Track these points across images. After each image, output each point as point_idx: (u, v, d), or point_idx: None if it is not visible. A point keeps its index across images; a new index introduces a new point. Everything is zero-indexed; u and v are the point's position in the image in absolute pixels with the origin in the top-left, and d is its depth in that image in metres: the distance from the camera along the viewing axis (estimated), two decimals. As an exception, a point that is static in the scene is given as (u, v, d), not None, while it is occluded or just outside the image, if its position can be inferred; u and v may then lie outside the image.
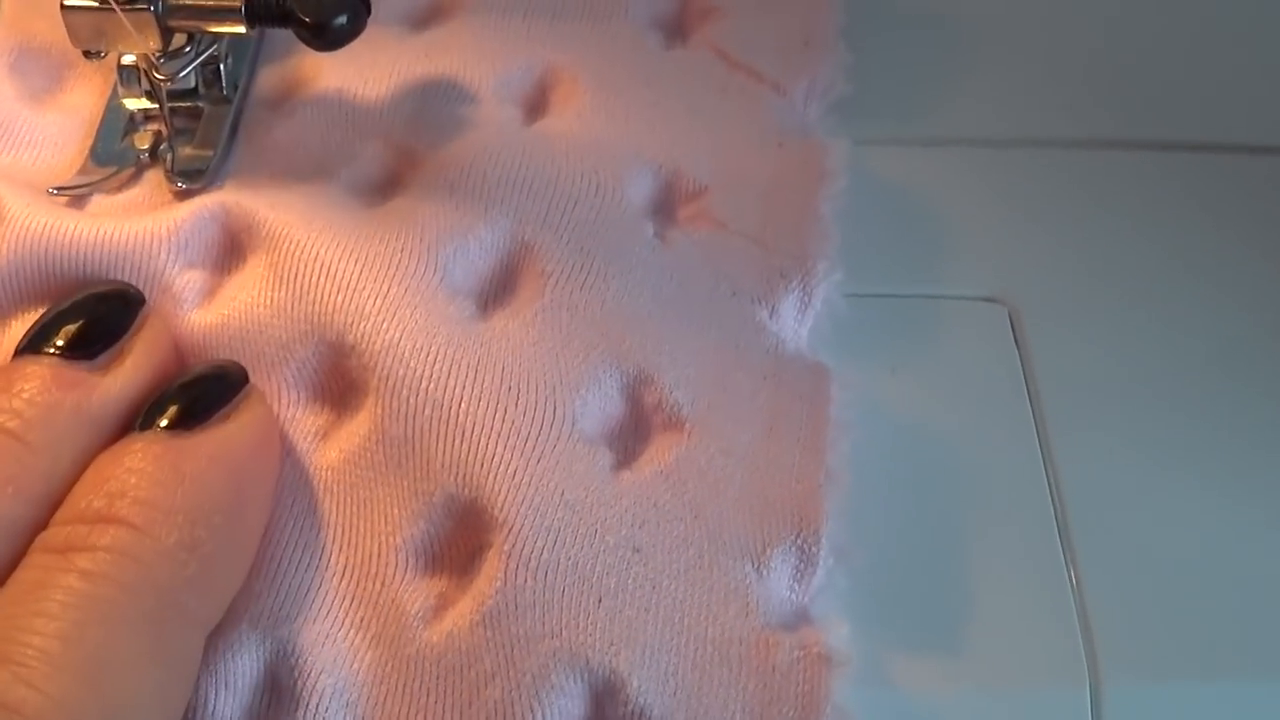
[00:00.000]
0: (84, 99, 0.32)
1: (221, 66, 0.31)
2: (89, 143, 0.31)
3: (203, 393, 0.25)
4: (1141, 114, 0.34)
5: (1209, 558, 0.27)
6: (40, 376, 0.24)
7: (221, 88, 0.31)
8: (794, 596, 0.25)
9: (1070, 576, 0.26)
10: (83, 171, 0.30)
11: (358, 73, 0.32)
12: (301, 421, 0.26)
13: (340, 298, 0.27)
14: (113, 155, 0.31)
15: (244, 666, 0.24)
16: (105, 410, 0.24)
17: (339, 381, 0.27)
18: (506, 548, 0.24)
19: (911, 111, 0.34)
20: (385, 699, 0.23)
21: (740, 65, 0.33)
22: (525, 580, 0.24)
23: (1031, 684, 0.25)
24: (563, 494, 0.25)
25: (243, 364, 0.26)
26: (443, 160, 0.30)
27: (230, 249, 0.29)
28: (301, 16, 0.27)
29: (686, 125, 0.31)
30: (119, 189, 0.30)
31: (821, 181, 0.30)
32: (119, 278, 0.27)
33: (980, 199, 0.32)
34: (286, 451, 0.26)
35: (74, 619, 0.21)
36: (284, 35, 0.32)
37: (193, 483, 0.23)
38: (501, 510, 0.24)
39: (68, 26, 0.28)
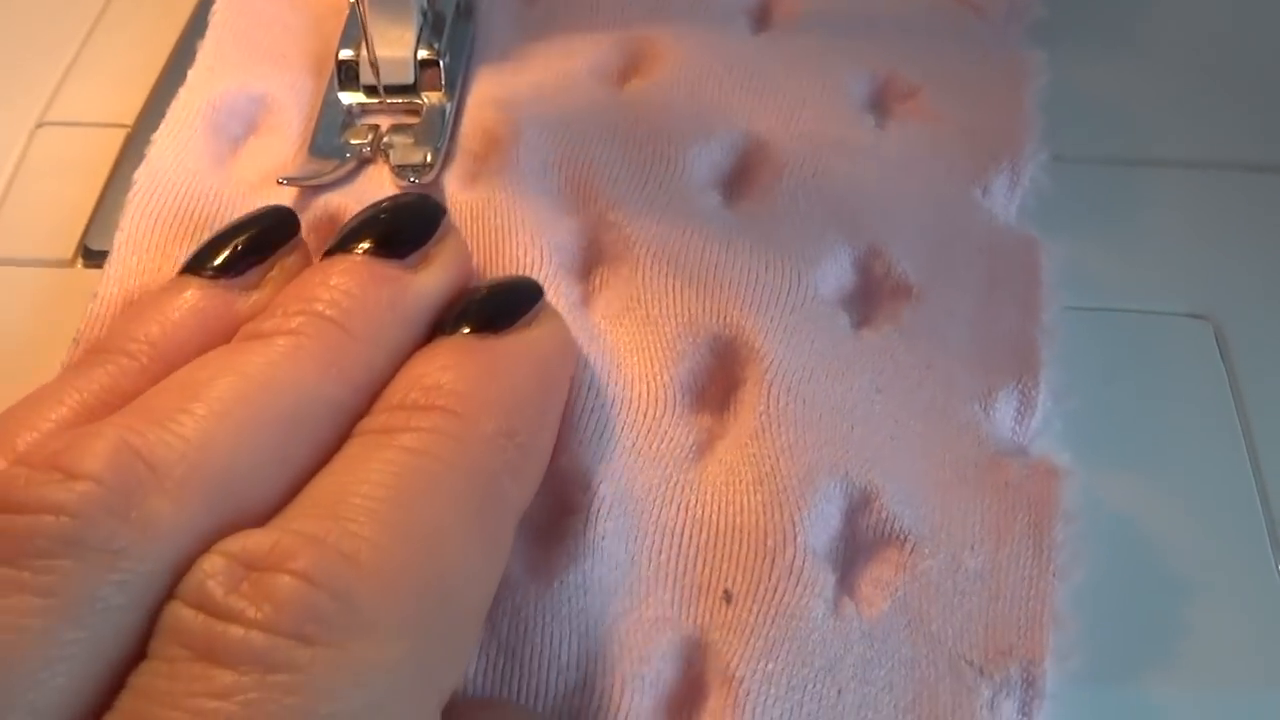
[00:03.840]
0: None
1: (441, 63, 0.32)
2: (307, 135, 0.32)
3: (506, 301, 0.25)
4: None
5: None
6: (355, 271, 0.24)
7: (441, 83, 0.32)
8: (1015, 436, 0.28)
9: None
10: (302, 164, 0.31)
11: None
12: (566, 285, 0.30)
13: (604, 185, 0.31)
14: (333, 149, 0.31)
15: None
16: (418, 305, 0.25)
17: (597, 252, 0.30)
18: (768, 377, 0.27)
19: (1120, 133, 0.36)
20: (659, 511, 0.26)
21: (945, -12, 0.36)
22: (787, 404, 0.27)
23: (1245, 687, 0.26)
24: (813, 341, 0.28)
25: (505, 227, 0.29)
26: (680, 59, 0.33)
27: (488, 141, 0.32)
28: None
29: (898, 37, 0.35)
30: (342, 182, 0.31)
31: (1025, 80, 0.33)
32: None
33: (1185, 218, 0.34)
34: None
35: (400, 486, 0.21)
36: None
37: (505, 379, 0.24)
38: (762, 345, 0.28)
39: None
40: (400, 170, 0.31)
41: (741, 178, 0.32)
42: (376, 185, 0.31)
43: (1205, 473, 0.29)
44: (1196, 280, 0.32)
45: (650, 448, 0.27)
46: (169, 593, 0.19)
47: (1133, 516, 0.28)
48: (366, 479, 0.21)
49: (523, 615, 0.25)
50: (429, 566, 0.20)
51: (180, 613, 0.19)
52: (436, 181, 0.31)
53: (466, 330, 0.25)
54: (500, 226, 0.30)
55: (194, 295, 0.25)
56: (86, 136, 0.35)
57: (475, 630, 0.23)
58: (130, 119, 0.35)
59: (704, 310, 0.29)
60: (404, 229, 0.26)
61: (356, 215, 0.26)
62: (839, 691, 0.25)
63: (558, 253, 0.30)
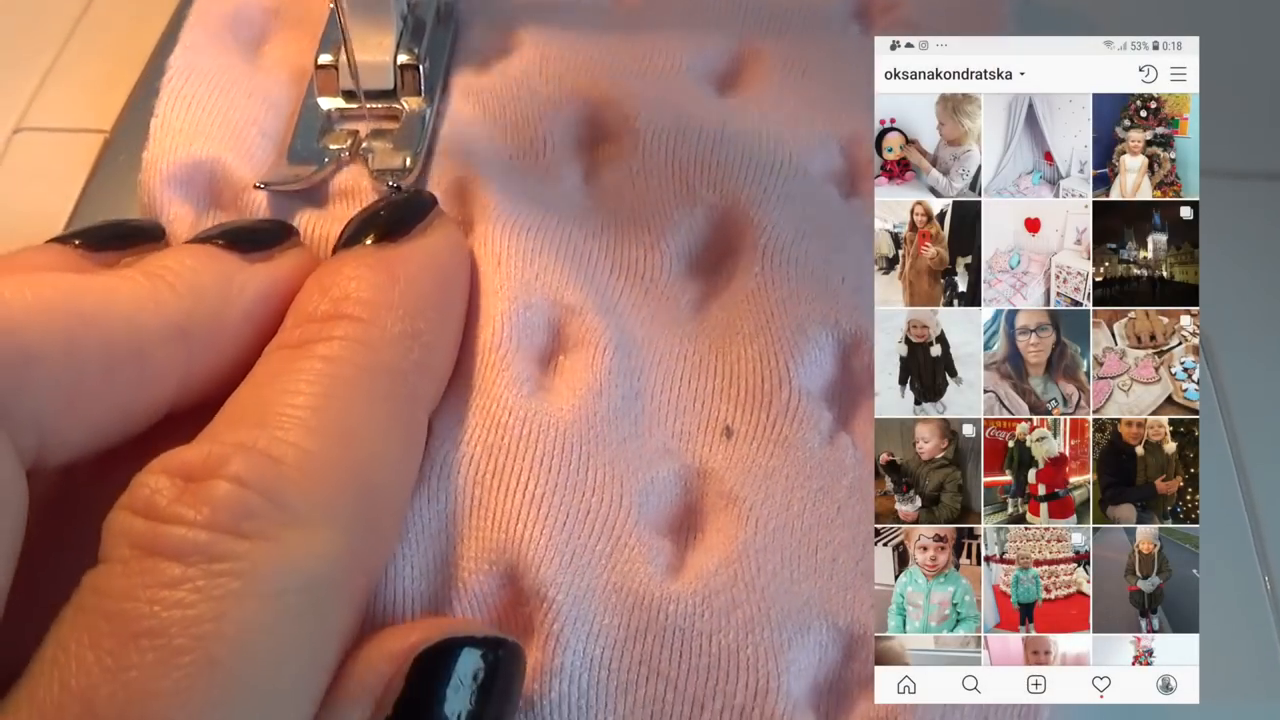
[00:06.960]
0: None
1: (420, 68, 0.32)
2: (288, 138, 0.32)
3: (401, 212, 0.27)
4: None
5: None
6: (193, 252, 0.26)
7: (420, 89, 0.32)
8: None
9: (1267, 589, 0.28)
10: (281, 169, 0.31)
11: None
12: (567, 159, 0.32)
13: (603, 77, 0.33)
14: (312, 153, 0.31)
15: (534, 320, 0.28)
16: (245, 291, 0.26)
17: (598, 130, 0.32)
18: (762, 241, 0.29)
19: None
20: (660, 356, 0.28)
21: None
22: (780, 264, 0.29)
23: (1231, 695, 0.26)
24: (805, 208, 0.30)
25: (510, 115, 0.31)
26: None
27: (501, 45, 0.34)
28: None
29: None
30: (321, 187, 0.31)
31: (999, -3, 0.36)
32: None
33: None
34: (558, 181, 0.31)
35: (320, 392, 0.23)
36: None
37: (407, 284, 0.25)
38: (756, 213, 0.30)
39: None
40: (379, 174, 0.30)
41: (736, 77, 0.34)
42: (355, 190, 0.31)
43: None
44: None
45: (649, 304, 0.29)
46: None
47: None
48: (287, 388, 0.23)
49: (529, 436, 0.27)
50: (350, 461, 0.22)
51: (128, 520, 0.21)
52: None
53: (368, 241, 0.26)
54: (509, 109, 0.32)
55: (52, 257, 0.26)
56: (64, 142, 0.35)
57: (399, 516, 0.25)
58: (108, 125, 0.35)
59: (701, 182, 0.31)
60: (251, 234, 0.28)
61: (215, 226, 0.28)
62: (838, 508, 0.27)
63: (564, 135, 0.32)
